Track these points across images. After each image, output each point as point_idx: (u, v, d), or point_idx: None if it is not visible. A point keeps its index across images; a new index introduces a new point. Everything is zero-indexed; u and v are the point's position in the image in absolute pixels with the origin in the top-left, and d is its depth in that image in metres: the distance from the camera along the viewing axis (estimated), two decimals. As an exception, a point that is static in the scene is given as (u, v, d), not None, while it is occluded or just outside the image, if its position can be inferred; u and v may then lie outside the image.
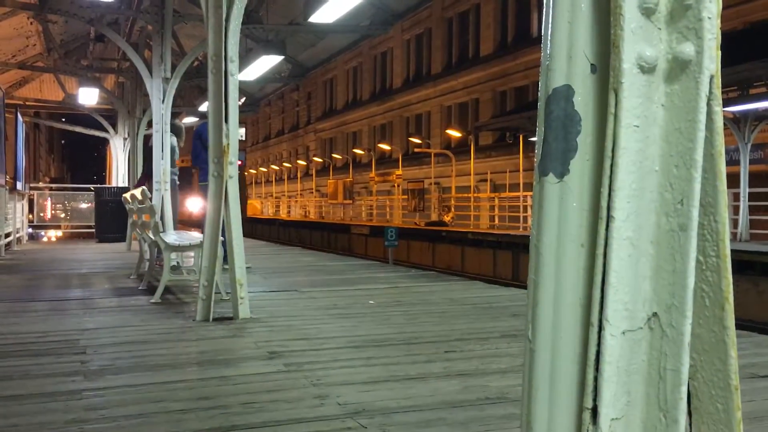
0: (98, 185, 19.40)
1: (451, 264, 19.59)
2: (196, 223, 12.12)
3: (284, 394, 3.04)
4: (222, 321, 4.92)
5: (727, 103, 12.93)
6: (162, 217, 8.80)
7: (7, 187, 12.25)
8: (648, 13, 1.06)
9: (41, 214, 18.53)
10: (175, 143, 9.66)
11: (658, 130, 1.08)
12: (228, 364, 3.68)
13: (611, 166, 1.06)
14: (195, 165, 8.90)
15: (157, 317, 5.15)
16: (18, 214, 14.24)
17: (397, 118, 34.99)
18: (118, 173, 18.63)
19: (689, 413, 1.09)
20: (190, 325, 4.82)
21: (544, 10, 1.15)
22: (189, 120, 17.29)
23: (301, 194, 46.89)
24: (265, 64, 15.51)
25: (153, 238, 6.33)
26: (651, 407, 1.08)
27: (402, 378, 3.32)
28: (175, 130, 9.64)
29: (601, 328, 1.06)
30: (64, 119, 30.05)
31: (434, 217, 26.85)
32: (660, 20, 1.07)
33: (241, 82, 6.18)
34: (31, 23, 15.13)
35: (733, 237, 14.14)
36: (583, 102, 1.10)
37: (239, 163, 5.36)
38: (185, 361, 3.73)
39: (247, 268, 5.30)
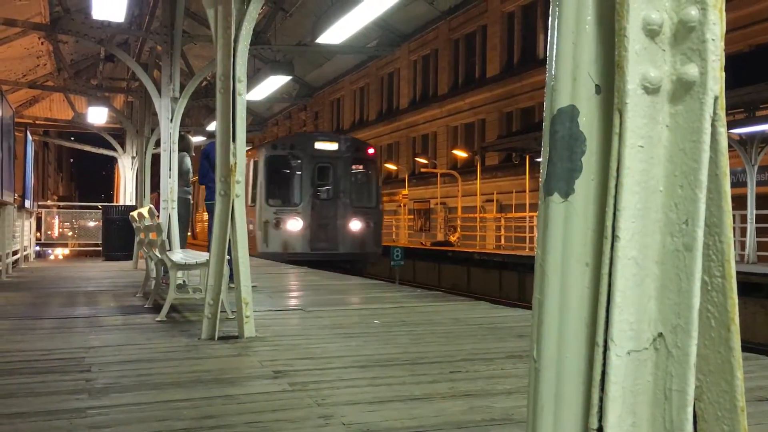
0: (106, 203, 19.47)
1: (457, 284, 19.54)
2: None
3: (289, 414, 3.03)
4: (227, 340, 4.91)
5: (733, 125, 12.94)
6: (168, 236, 8.82)
7: (15, 205, 12.32)
8: (652, 34, 1.07)
9: (49, 232, 18.60)
10: (189, 163, 9.72)
11: (663, 151, 1.08)
12: (233, 383, 3.67)
13: (616, 186, 1.07)
14: (202, 184, 8.94)
15: (163, 336, 5.15)
16: (26, 232, 14.30)
17: (404, 138, 35.10)
18: (126, 192, 18.71)
19: (695, 435, 1.08)
20: (196, 343, 4.81)
21: (549, 31, 1.16)
22: (197, 139, 17.40)
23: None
24: (273, 84, 15.65)
25: (159, 256, 6.34)
26: (657, 428, 1.08)
27: (407, 398, 3.30)
28: (184, 142, 9.69)
29: (606, 348, 1.06)
30: (72, 138, 30.27)
31: (440, 237, 26.82)
32: (664, 42, 1.08)
33: (249, 102, 6.23)
34: (42, 43, 15.31)
35: (741, 259, 14.06)
36: (588, 122, 1.11)
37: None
38: (190, 380, 3.72)
39: (252, 287, 5.30)
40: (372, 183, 18.09)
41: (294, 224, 16.52)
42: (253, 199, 16.89)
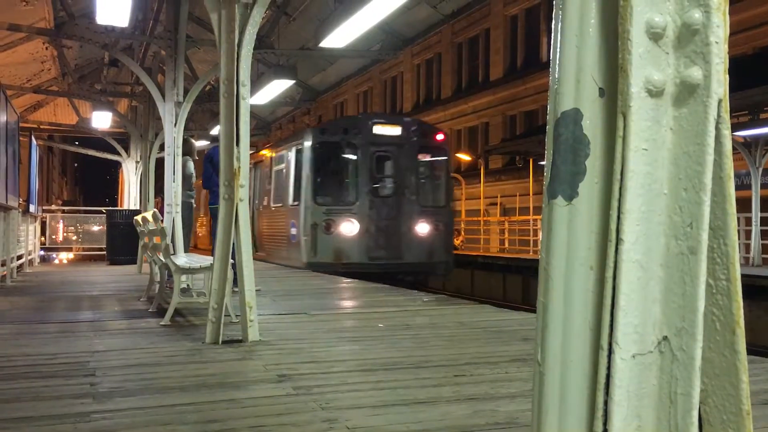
0: (110, 208, 19.52)
1: (461, 287, 19.50)
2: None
3: (293, 418, 3.03)
4: (231, 344, 4.91)
5: (738, 127, 12.91)
6: (173, 240, 8.83)
7: (20, 210, 12.35)
8: (656, 37, 1.07)
9: (53, 237, 18.64)
10: (192, 167, 9.74)
11: (667, 154, 1.08)
12: (237, 387, 3.67)
13: (620, 188, 1.07)
14: (206, 188, 8.96)
15: (167, 339, 5.15)
16: (30, 237, 14.34)
17: (407, 141, 35.08)
18: (130, 196, 18.76)
19: (701, 438, 1.08)
20: (200, 347, 4.81)
21: (553, 35, 1.16)
22: (200, 143, 17.43)
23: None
24: (277, 88, 15.68)
25: (163, 260, 6.35)
26: (662, 432, 1.07)
27: (411, 402, 3.29)
28: (187, 146, 9.72)
29: (611, 351, 1.06)
30: (77, 142, 30.37)
31: (444, 241, 26.75)
32: (667, 45, 1.08)
33: (252, 106, 6.25)
34: (47, 48, 15.35)
35: (746, 262, 14.02)
36: (592, 125, 1.11)
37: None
38: (194, 384, 3.72)
39: (256, 290, 5.30)
40: (441, 176, 14.81)
41: (349, 228, 13.37)
42: (295, 198, 14.08)
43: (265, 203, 16.84)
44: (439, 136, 14.71)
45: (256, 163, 17.51)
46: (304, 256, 13.31)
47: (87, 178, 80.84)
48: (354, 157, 13.79)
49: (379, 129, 13.93)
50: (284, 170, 15.27)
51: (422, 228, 13.83)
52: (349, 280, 10.58)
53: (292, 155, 14.59)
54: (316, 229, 13.32)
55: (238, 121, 4.99)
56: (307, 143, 13.89)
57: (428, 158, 14.58)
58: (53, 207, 25.69)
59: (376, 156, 13.85)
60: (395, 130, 14.07)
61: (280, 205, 15.34)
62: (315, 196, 13.57)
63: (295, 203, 13.96)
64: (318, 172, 13.77)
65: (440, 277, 15.01)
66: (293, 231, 13.97)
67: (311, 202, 13.49)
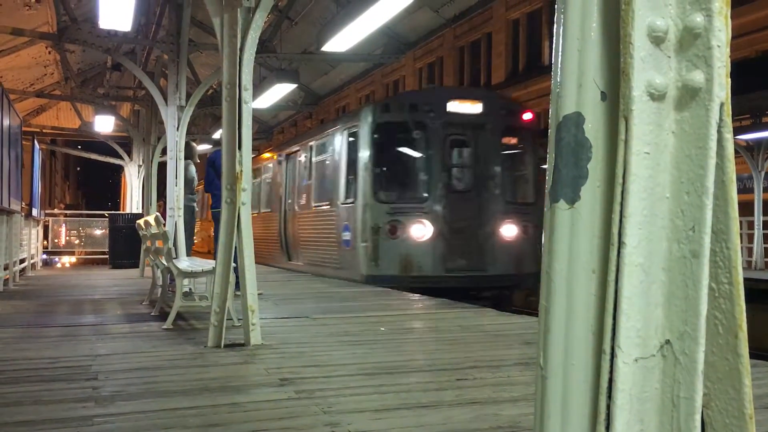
0: (112, 212, 19.55)
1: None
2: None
3: (295, 422, 3.02)
4: (233, 347, 4.91)
5: (740, 131, 12.90)
6: (175, 244, 8.84)
7: (23, 214, 12.37)
8: (657, 41, 1.07)
9: (56, 240, 18.68)
10: (193, 171, 9.76)
11: (669, 157, 1.08)
12: (239, 390, 3.66)
13: (622, 192, 1.07)
14: (208, 191, 8.97)
15: (169, 343, 5.15)
16: (33, 240, 14.36)
17: (409, 145, 35.11)
18: (132, 200, 18.79)
19: (704, 442, 1.07)
20: (202, 351, 4.81)
21: (554, 39, 1.16)
22: (203, 147, 17.43)
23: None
24: (279, 92, 15.69)
25: (166, 264, 6.35)
26: (665, 436, 1.07)
27: (414, 406, 3.29)
28: (188, 150, 9.74)
29: (613, 355, 1.06)
30: (80, 146, 30.41)
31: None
32: (669, 48, 1.08)
33: (254, 110, 6.26)
34: (49, 52, 15.41)
35: (748, 265, 14.00)
36: (594, 129, 1.11)
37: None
38: (196, 388, 3.72)
39: (258, 294, 5.30)
40: (528, 165, 11.73)
41: (419, 231, 10.48)
42: (349, 194, 11.27)
43: (302, 202, 13.74)
44: (527, 115, 11.57)
45: (287, 155, 14.90)
46: (362, 266, 10.67)
47: (89, 181, 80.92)
48: (425, 142, 10.80)
49: (455, 106, 11.01)
50: (331, 160, 12.30)
51: (509, 230, 10.95)
52: (351, 285, 10.56)
53: (342, 141, 11.67)
54: (377, 233, 10.53)
55: (240, 125, 5.00)
56: (366, 124, 10.92)
57: (515, 142, 11.61)
58: (56, 211, 25.73)
59: (452, 139, 10.97)
60: (475, 108, 11.12)
61: (325, 204, 12.35)
62: (376, 191, 10.72)
63: (349, 201, 11.17)
64: (380, 160, 10.87)
65: (526, 292, 12.32)
66: (346, 236, 11.26)
67: (372, 199, 10.64)
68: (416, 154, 11.03)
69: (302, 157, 13.94)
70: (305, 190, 13.63)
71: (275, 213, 15.42)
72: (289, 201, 14.53)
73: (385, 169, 11.07)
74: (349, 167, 11.31)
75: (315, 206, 12.92)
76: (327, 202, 12.28)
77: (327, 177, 12.55)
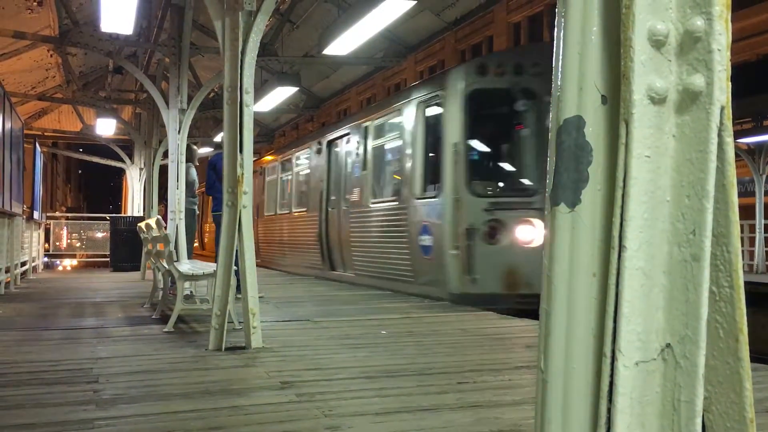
0: (113, 214, 19.56)
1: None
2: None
3: (296, 425, 3.02)
4: (234, 350, 4.91)
5: (741, 134, 12.90)
6: (176, 246, 8.84)
7: (24, 217, 12.38)
8: (658, 45, 1.07)
9: (57, 243, 18.69)
10: (194, 174, 9.77)
11: (670, 161, 1.08)
12: (240, 393, 3.66)
13: (623, 196, 1.07)
14: (209, 194, 8.98)
15: (170, 346, 5.15)
16: (34, 243, 14.37)
17: (411, 148, 35.09)
18: (134, 203, 18.80)
19: (704, 446, 1.07)
20: (203, 354, 4.81)
21: (555, 42, 1.16)
22: (204, 150, 17.44)
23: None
24: (280, 95, 15.70)
25: (167, 267, 6.35)
26: (665, 439, 1.07)
27: (414, 409, 3.29)
28: (189, 153, 9.75)
29: (614, 358, 1.06)
30: (81, 149, 30.45)
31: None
32: (670, 52, 1.08)
33: (256, 113, 6.27)
34: (51, 56, 15.42)
35: (749, 269, 13.99)
36: (594, 132, 1.11)
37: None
38: (197, 391, 3.71)
39: (259, 297, 5.30)
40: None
41: (528, 233, 7.93)
42: (430, 186, 8.71)
43: (353, 199, 10.99)
44: None
45: (329, 143, 12.26)
46: (450, 282, 8.14)
47: (91, 184, 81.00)
48: (534, 115, 8.09)
49: None
50: (399, 143, 9.60)
51: None
52: (352, 287, 10.56)
53: (417, 117, 8.95)
54: (473, 237, 7.93)
55: (241, 128, 5.01)
56: (455, 93, 8.21)
57: None
58: (57, 214, 25.76)
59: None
60: None
61: (392, 200, 9.76)
62: (470, 181, 8.09)
63: (430, 195, 8.60)
64: (475, 141, 8.41)
65: None
66: (425, 241, 8.65)
67: (465, 192, 8.03)
68: (523, 133, 8.32)
69: (353, 142, 11.18)
70: (358, 183, 10.86)
71: (312, 213, 12.70)
72: (333, 198, 11.92)
73: (481, 152, 8.64)
74: (429, 151, 8.74)
75: (373, 203, 10.29)
76: (393, 198, 9.74)
77: (392, 165, 10.17)
